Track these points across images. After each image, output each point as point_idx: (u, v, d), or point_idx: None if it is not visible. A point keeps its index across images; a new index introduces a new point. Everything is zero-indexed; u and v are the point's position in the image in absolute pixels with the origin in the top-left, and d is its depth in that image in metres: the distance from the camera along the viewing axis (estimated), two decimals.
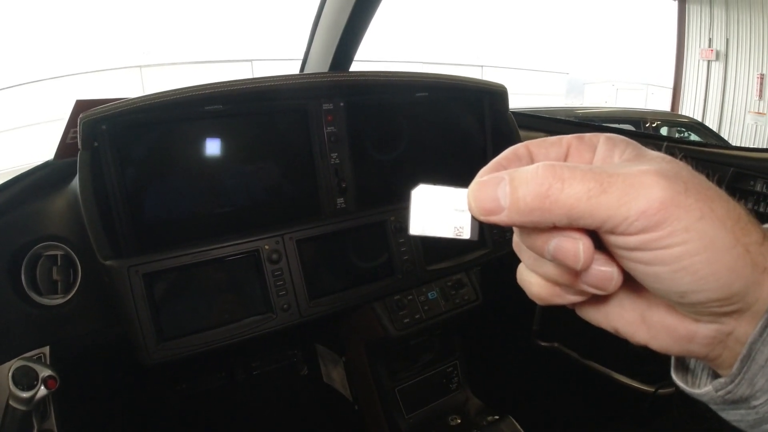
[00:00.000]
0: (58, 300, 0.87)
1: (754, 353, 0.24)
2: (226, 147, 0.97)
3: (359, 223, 0.92)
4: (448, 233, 0.26)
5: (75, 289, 0.87)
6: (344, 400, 1.29)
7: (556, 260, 0.24)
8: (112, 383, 1.38)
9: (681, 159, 0.25)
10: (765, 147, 1.55)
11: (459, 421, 1.09)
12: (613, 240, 0.23)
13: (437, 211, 0.25)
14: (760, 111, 7.19)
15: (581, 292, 0.26)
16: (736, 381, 0.25)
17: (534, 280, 0.27)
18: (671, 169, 0.23)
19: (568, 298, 0.27)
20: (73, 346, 0.89)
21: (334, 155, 1.05)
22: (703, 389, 0.27)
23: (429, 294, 0.98)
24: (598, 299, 0.28)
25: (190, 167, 0.93)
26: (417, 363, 1.13)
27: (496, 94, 1.21)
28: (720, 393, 0.26)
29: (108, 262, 0.77)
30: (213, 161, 0.95)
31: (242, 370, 1.66)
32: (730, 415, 0.27)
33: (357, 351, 1.09)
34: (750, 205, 1.28)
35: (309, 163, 1.04)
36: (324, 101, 1.04)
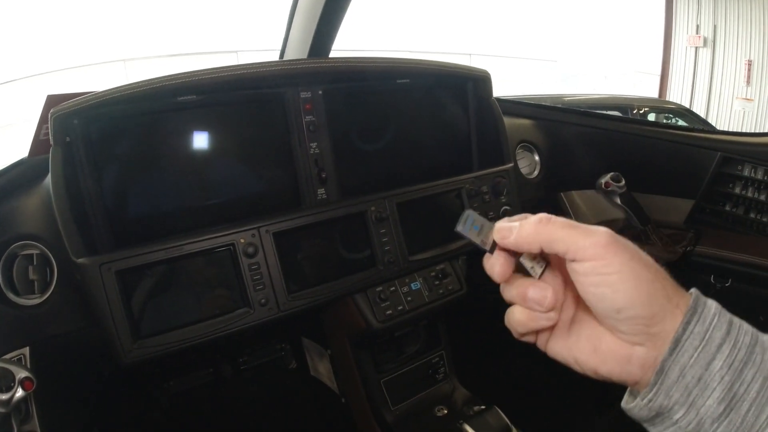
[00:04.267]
0: (35, 300, 0.85)
1: (666, 369, 0.32)
2: (201, 139, 0.94)
3: (338, 214, 0.90)
4: (476, 240, 0.40)
5: (51, 288, 0.85)
6: (332, 393, 1.28)
7: (531, 300, 0.37)
8: (96, 383, 1.36)
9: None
10: (753, 131, 1.55)
11: (446, 411, 1.08)
12: (574, 266, 0.34)
13: (475, 227, 0.40)
14: (748, 97, 7.23)
15: (547, 318, 0.37)
16: (654, 390, 0.33)
17: (517, 311, 0.38)
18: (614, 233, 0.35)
19: (540, 323, 0.37)
20: (54, 346, 0.87)
21: (314, 145, 1.03)
22: (633, 403, 0.35)
23: (412, 284, 0.96)
24: (563, 335, 0.38)
25: (165, 161, 0.90)
26: (402, 354, 1.11)
27: (479, 80, 1.19)
28: (644, 401, 0.33)
29: (80, 260, 0.75)
30: (188, 154, 0.93)
31: (229, 366, 1.64)
32: (657, 430, 0.34)
33: (341, 344, 1.08)
34: (738, 190, 1.28)
35: (287, 154, 1.01)
36: (302, 89, 1.01)
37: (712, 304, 0.34)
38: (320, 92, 1.03)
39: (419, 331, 1.12)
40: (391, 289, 0.95)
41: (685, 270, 1.36)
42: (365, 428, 1.15)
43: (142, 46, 7.60)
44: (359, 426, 1.18)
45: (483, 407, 1.02)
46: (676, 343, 0.32)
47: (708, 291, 1.19)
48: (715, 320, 0.33)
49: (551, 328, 0.39)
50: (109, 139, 0.85)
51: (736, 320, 0.34)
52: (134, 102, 0.84)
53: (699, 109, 7.18)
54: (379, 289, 0.94)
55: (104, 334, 0.76)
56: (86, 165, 0.83)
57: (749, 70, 7.21)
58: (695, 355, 0.32)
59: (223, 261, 0.83)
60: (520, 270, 0.40)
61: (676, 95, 7.87)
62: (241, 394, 1.64)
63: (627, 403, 0.36)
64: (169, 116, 0.90)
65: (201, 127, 0.94)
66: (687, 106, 5.94)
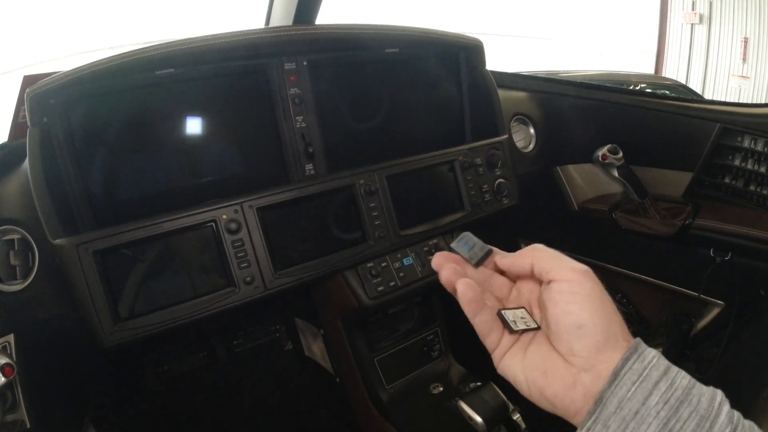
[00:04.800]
0: (17, 286, 0.81)
1: (605, 400, 0.35)
2: (182, 115, 0.90)
3: (324, 188, 0.87)
4: (465, 256, 0.45)
5: (34, 273, 0.82)
6: (327, 373, 1.26)
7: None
8: (86, 370, 1.33)
9: None
10: (753, 102, 1.51)
11: (441, 389, 1.06)
12: (552, 286, 0.39)
13: (468, 245, 0.45)
14: (744, 75, 7.16)
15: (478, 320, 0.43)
16: (593, 418, 0.35)
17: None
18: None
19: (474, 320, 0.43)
20: (39, 332, 0.85)
21: (300, 119, 0.99)
22: None
23: (404, 260, 0.93)
24: (520, 353, 0.41)
25: (146, 139, 0.87)
26: (396, 332, 1.09)
27: (471, 50, 1.14)
28: (583, 430, 0.35)
29: (57, 241, 0.71)
30: (170, 132, 0.89)
31: (224, 349, 1.62)
32: None
33: (333, 323, 1.05)
34: (737, 162, 1.25)
35: (273, 129, 0.97)
36: (285, 60, 0.97)
37: (653, 351, 0.37)
38: (305, 63, 0.99)
39: (413, 309, 1.09)
40: (383, 264, 0.92)
41: (684, 244, 1.34)
42: (360, 408, 1.13)
43: (132, 34, 7.42)
44: (355, 405, 1.16)
45: (479, 384, 1.00)
46: (615, 375, 0.35)
47: (707, 265, 1.17)
48: (654, 361, 0.35)
49: (512, 345, 0.42)
50: (87, 118, 0.82)
51: (675, 367, 0.36)
52: (111, 77, 0.80)
53: (695, 87, 7.10)
54: (370, 265, 0.91)
55: (84, 317, 0.73)
56: (65, 145, 0.80)
57: (745, 47, 7.12)
58: (633, 389, 0.34)
59: (206, 239, 0.79)
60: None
61: (672, 72, 7.78)
62: (237, 377, 1.63)
63: None
64: (148, 92, 0.86)
65: (182, 103, 0.90)
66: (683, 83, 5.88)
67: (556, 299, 0.39)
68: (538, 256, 0.41)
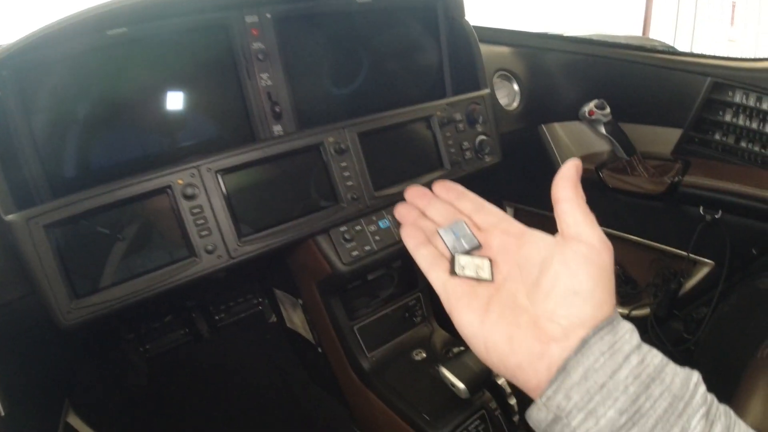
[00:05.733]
0: None
1: (569, 368, 0.32)
2: (139, 78, 0.83)
3: (288, 148, 0.81)
4: (447, 243, 0.42)
5: None
6: (310, 344, 1.24)
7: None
8: (61, 352, 1.30)
9: None
10: (745, 57, 1.45)
11: (424, 354, 1.03)
12: (572, 245, 0.36)
13: (456, 233, 0.42)
14: (732, 39, 7.08)
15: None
16: (554, 387, 0.32)
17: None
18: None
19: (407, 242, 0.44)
20: (6, 317, 0.80)
21: (265, 76, 0.92)
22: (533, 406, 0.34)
23: (380, 222, 0.88)
24: (480, 309, 0.37)
25: (102, 106, 0.80)
26: (377, 299, 1.06)
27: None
28: (543, 399, 0.32)
29: (9, 217, 0.66)
30: (127, 96, 0.82)
31: (206, 325, 1.59)
32: None
33: (310, 292, 1.01)
34: (728, 118, 1.21)
35: (236, 88, 0.91)
36: (246, 13, 0.89)
37: (628, 324, 0.34)
38: (268, 16, 0.91)
39: (393, 274, 1.05)
40: (357, 228, 0.87)
41: (672, 202, 1.30)
42: (343, 377, 1.11)
43: None
44: (338, 375, 1.14)
45: (462, 349, 0.97)
46: (584, 343, 0.32)
47: (697, 223, 1.13)
48: (627, 336, 0.33)
49: (466, 295, 0.38)
50: (42, 88, 0.75)
51: (649, 346, 0.33)
52: (63, 42, 0.73)
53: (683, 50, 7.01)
54: (343, 228, 0.86)
55: (39, 296, 0.68)
56: (18, 118, 0.73)
57: (733, 12, 7.02)
58: (601, 359, 0.31)
59: (162, 206, 0.74)
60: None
61: (660, 36, 7.66)
62: (221, 352, 1.60)
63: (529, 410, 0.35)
64: (102, 56, 0.79)
65: (138, 65, 0.83)
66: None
67: (569, 259, 0.35)
68: (570, 210, 0.37)
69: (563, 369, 0.32)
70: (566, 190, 0.38)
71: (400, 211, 0.48)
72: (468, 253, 0.41)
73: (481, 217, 0.45)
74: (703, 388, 0.32)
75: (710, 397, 0.32)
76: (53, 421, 1.14)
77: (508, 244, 0.41)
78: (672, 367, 0.32)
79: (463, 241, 0.42)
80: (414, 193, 0.49)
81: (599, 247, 0.35)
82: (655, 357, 0.32)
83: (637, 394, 0.30)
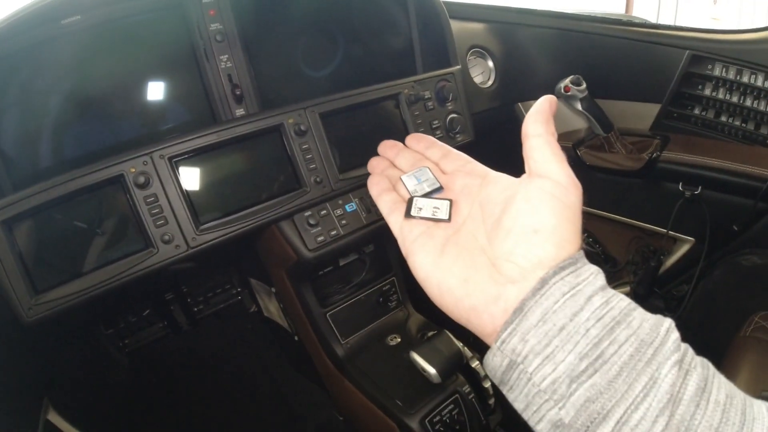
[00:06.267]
0: None
1: (526, 309, 0.29)
2: (96, 66, 0.80)
3: (246, 131, 0.77)
4: (409, 187, 0.43)
5: None
6: (287, 332, 1.22)
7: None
8: (38, 350, 1.27)
9: None
10: (724, 29, 1.42)
11: (399, 339, 1.02)
12: (536, 181, 0.35)
13: (419, 179, 0.43)
14: (715, 17, 7.04)
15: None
16: (510, 329, 0.29)
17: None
18: None
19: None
20: None
21: (224, 58, 0.88)
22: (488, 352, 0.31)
23: (347, 206, 0.86)
24: (435, 251, 0.35)
25: (61, 97, 0.77)
26: (349, 284, 1.03)
27: None
28: (498, 343, 0.30)
29: None
30: (85, 86, 0.79)
31: (184, 317, 1.57)
32: (513, 392, 0.29)
33: (281, 279, 0.99)
34: (708, 92, 1.18)
35: (195, 71, 0.87)
36: None
37: (593, 267, 0.31)
38: None
39: (365, 259, 1.03)
40: (322, 213, 0.84)
41: (651, 179, 1.29)
42: (320, 364, 1.09)
43: None
44: (316, 363, 1.12)
45: (435, 332, 0.96)
46: (543, 283, 0.29)
47: (676, 200, 1.11)
48: (591, 278, 0.30)
49: (421, 235, 0.38)
50: (3, 82, 0.73)
51: (615, 290, 0.30)
52: (17, 35, 0.70)
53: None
54: (308, 213, 0.83)
55: (2, 293, 0.66)
56: None
57: None
58: (561, 300, 0.28)
59: (116, 196, 0.71)
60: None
61: (642, 13, 7.60)
62: (202, 344, 1.59)
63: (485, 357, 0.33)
64: (58, 45, 0.76)
65: (94, 52, 0.79)
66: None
67: (532, 196, 0.33)
68: (538, 146, 0.35)
69: (520, 310, 0.29)
70: (537, 125, 0.36)
71: (371, 163, 0.50)
72: (428, 195, 0.40)
73: (446, 162, 0.45)
74: (676, 334, 0.28)
75: (684, 346, 0.28)
76: (33, 420, 1.12)
77: (471, 184, 0.40)
78: (640, 312, 0.29)
79: (425, 185, 0.42)
80: (385, 145, 0.51)
81: (566, 183, 0.33)
82: (621, 301, 0.29)
83: (599, 338, 0.27)
